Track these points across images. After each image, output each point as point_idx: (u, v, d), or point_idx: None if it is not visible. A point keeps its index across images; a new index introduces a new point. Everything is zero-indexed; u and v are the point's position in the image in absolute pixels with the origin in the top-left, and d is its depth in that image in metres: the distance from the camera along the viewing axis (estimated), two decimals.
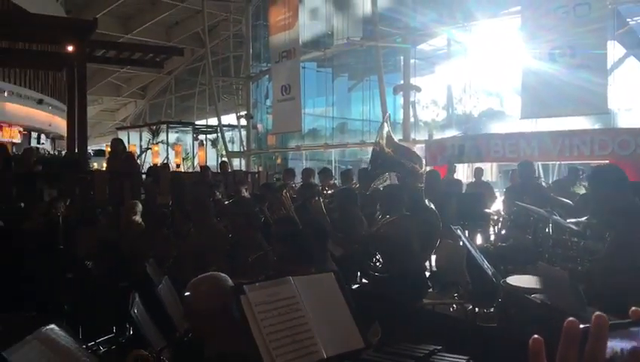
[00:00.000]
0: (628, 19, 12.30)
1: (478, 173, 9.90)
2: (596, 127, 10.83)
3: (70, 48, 10.78)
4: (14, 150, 13.98)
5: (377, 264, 5.20)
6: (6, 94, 18.38)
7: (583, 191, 7.12)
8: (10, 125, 19.30)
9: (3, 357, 2.21)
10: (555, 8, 10.32)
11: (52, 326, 2.42)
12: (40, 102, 20.64)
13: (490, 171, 13.57)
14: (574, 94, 9.95)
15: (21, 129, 20.19)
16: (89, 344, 3.63)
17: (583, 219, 5.09)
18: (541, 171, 12.09)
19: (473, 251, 4.29)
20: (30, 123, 20.45)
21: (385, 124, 7.13)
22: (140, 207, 6.35)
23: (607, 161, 9.00)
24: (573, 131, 10.53)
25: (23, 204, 7.34)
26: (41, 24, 11.73)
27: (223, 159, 17.80)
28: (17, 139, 19.61)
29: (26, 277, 5.27)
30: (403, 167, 6.56)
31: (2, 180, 7.63)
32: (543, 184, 8.49)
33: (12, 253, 5.75)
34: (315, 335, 2.12)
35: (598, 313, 0.61)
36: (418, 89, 14.73)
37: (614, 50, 11.23)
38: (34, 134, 21.19)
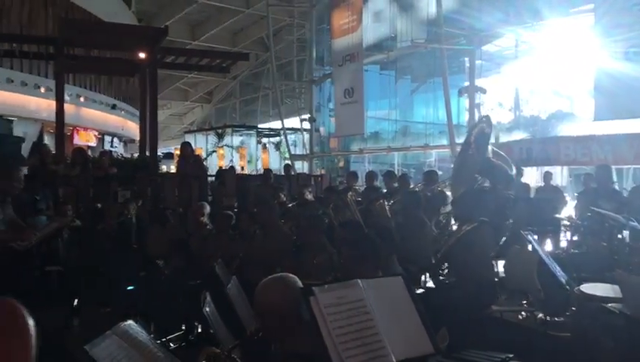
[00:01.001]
0: None
1: (547, 176, 9.57)
2: None
3: (142, 55, 11.21)
4: (90, 153, 14.68)
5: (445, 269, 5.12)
6: (82, 100, 19.32)
7: None
8: (86, 129, 20.30)
9: (85, 350, 2.33)
10: (631, 5, 9.87)
11: (129, 321, 2.54)
12: (113, 107, 21.59)
13: (560, 175, 13.06)
14: None
15: (96, 133, 21.18)
16: (161, 340, 3.76)
17: None
18: (615, 176, 11.55)
19: (544, 257, 4.16)
20: (104, 127, 21.42)
21: (483, 126, 6.46)
22: (207, 208, 6.52)
23: None
24: None
25: (99, 205, 7.70)
26: (116, 32, 12.26)
27: (286, 162, 18.01)
28: (92, 143, 20.60)
29: (102, 274, 5.52)
30: (500, 172, 6.17)
31: (81, 182, 8.03)
32: (618, 189, 8.11)
33: (89, 252, 6.05)
34: (383, 339, 2.11)
35: None
36: (483, 91, 14.40)
37: None
38: (107, 138, 22.18)
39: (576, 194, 8.54)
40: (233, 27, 28.69)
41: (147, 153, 10.93)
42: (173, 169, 12.42)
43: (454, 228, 6.15)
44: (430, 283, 5.62)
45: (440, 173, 10.91)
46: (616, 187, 9.16)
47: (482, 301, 4.48)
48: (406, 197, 6.06)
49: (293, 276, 2.31)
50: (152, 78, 11.30)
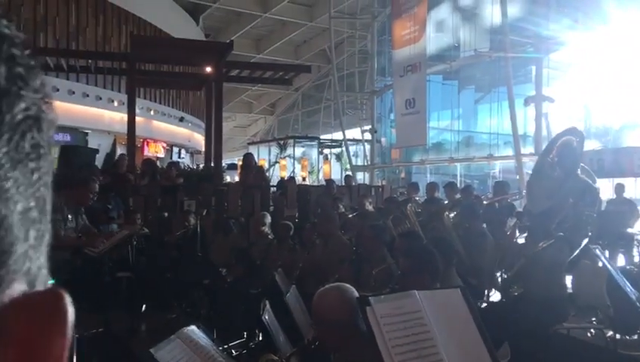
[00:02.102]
0: None
1: (620, 189, 9.16)
2: None
3: (208, 69, 11.57)
4: (159, 164, 15.25)
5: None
6: (152, 113, 20.12)
7: None
8: (155, 141, 21.11)
9: (150, 353, 2.44)
10: None
11: (192, 327, 2.64)
12: (181, 119, 22.36)
13: (634, 187, 12.45)
14: None
15: (164, 144, 21.98)
16: (222, 346, 3.86)
17: None
18: None
19: (614, 273, 3.99)
20: (172, 139, 22.19)
21: (572, 138, 5.57)
22: (268, 218, 6.64)
23: None
24: None
25: (166, 214, 7.99)
26: (184, 48, 12.73)
27: (347, 173, 18.05)
28: (161, 154, 21.38)
29: (168, 281, 5.73)
30: (590, 193, 5.49)
31: (150, 192, 8.36)
32: None
33: (157, 260, 6.29)
34: (440, 351, 2.10)
35: None
36: (551, 100, 13.96)
37: None
38: (175, 149, 22.95)
39: None
40: (296, 40, 29.13)
41: (212, 164, 11.24)
42: (236, 179, 12.71)
43: (520, 240, 5.99)
44: (493, 298, 5.50)
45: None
46: None
47: (552, 318, 4.34)
48: (463, 209, 5.96)
49: (349, 286, 2.33)
50: (217, 91, 11.63)
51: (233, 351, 4.34)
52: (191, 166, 14.05)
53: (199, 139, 21.41)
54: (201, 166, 12.38)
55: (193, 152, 24.54)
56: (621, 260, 7.08)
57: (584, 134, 5.24)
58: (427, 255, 3.30)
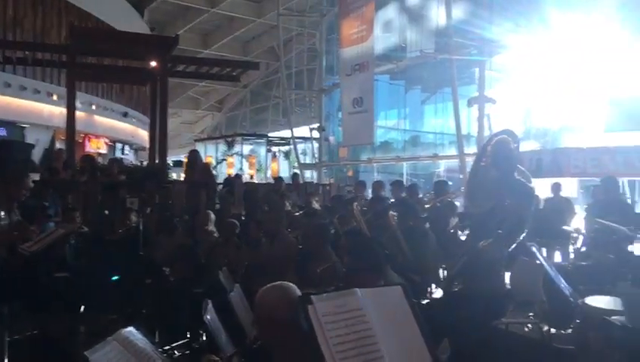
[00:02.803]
0: None
1: (557, 188, 9.51)
2: None
3: (153, 64, 11.32)
4: (101, 160, 14.79)
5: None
6: (94, 107, 19.51)
7: None
8: (97, 136, 20.49)
9: (85, 356, 2.35)
10: None
11: (130, 328, 2.55)
12: (125, 115, 21.79)
13: (571, 186, 12.98)
14: None
15: (107, 140, 21.37)
16: (164, 348, 3.77)
17: None
18: (627, 188, 11.45)
19: (550, 269, 4.13)
20: (115, 135, 21.60)
21: (507, 139, 5.27)
22: (212, 216, 6.55)
23: None
24: None
25: (107, 212, 7.75)
26: (127, 41, 12.40)
27: (295, 171, 18.04)
28: (103, 150, 20.78)
29: (108, 281, 5.55)
30: (527, 192, 5.66)
31: (89, 189, 8.10)
32: (629, 201, 8.05)
33: (96, 259, 6.09)
34: (381, 349, 2.11)
35: None
36: (493, 101, 14.36)
37: None
38: (118, 145, 22.36)
39: (585, 206, 8.48)
40: (244, 36, 28.89)
41: (157, 161, 11.01)
42: (182, 177, 12.50)
43: (463, 238, 6.13)
44: (436, 295, 5.60)
45: (450, 183, 10.88)
46: (628, 200, 9.11)
47: (491, 313, 4.46)
48: (406, 207, 6.04)
49: (292, 284, 2.32)
50: (162, 86, 11.40)
51: (176, 352, 4.25)
52: (134, 163, 13.72)
53: (144, 136, 20.94)
54: (145, 163, 12.10)
55: (137, 149, 23.98)
56: (558, 257, 7.37)
57: (517, 136, 5.39)
58: (372, 253, 3.32)
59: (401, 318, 2.29)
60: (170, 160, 18.10)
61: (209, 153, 25.40)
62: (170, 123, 14.60)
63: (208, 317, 2.90)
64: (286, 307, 2.21)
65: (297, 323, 2.16)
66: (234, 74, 13.09)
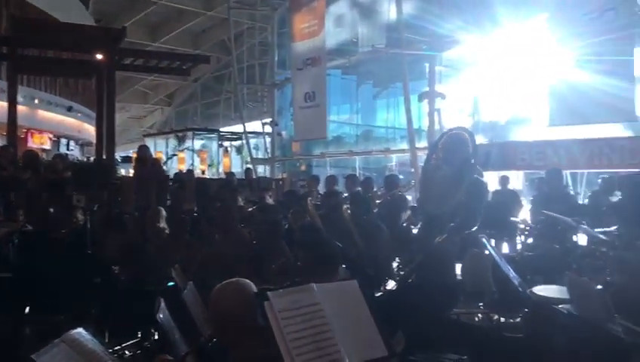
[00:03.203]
0: None
1: (504, 180, 9.78)
2: (627, 135, 10.60)
3: (100, 57, 10.99)
4: (44, 156, 14.27)
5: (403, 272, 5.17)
6: (36, 101, 18.80)
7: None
8: (40, 132, 19.75)
9: (33, 360, 2.26)
10: (582, 14, 10.19)
11: (79, 329, 2.47)
12: (69, 109, 21.07)
13: (517, 179, 13.38)
14: (602, 101, 9.80)
15: (51, 135, 20.64)
16: (115, 348, 3.68)
17: (613, 228, 5.00)
18: (569, 180, 11.88)
19: (499, 260, 4.24)
20: (60, 130, 20.88)
21: (463, 135, 5.47)
22: (163, 213, 6.43)
23: (637, 170, 8.82)
24: (601, 139, 10.35)
25: (52, 210, 7.48)
26: (72, 33, 11.99)
27: (248, 166, 17.92)
28: (47, 146, 20.05)
29: (54, 281, 5.37)
30: (480, 187, 5.53)
31: (33, 186, 7.80)
32: (571, 192, 8.36)
33: (41, 258, 5.88)
34: (338, 343, 2.12)
35: None
36: (443, 96, 14.62)
37: None
38: (63, 141, 21.64)
39: (530, 198, 8.76)
40: (194, 29, 28.41)
41: (104, 157, 10.73)
42: (131, 173, 12.21)
43: (415, 231, 6.23)
44: (389, 287, 5.67)
45: (401, 177, 11.04)
46: (571, 191, 9.45)
47: (443, 304, 4.55)
48: (358, 202, 6.10)
49: (247, 280, 2.29)
50: (109, 80, 11.11)
51: (126, 352, 4.15)
52: (80, 158, 13.32)
53: (90, 130, 20.31)
54: (92, 158, 11.77)
55: (84, 144, 23.28)
56: (505, 248, 7.57)
57: (473, 133, 5.51)
58: (327, 248, 3.33)
59: (356, 312, 2.31)
60: (118, 155, 17.66)
61: (159, 148, 24.95)
62: (117, 117, 14.23)
63: (161, 316, 2.84)
64: (242, 304, 2.19)
65: (253, 320, 2.14)
66: (184, 67, 12.88)
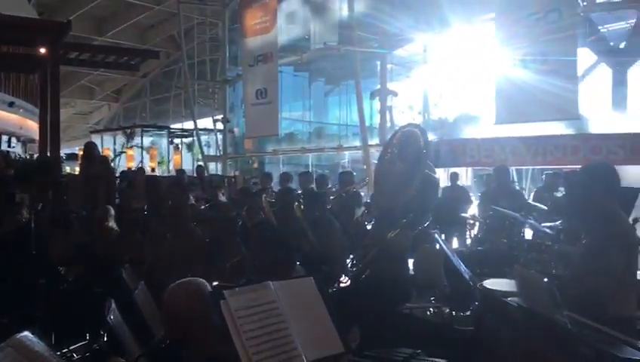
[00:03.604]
0: (599, 27, 12.56)
1: (454, 177, 9.99)
2: (569, 132, 11.00)
3: (43, 51, 10.61)
4: None
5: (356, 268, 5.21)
6: None
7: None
8: None
9: None
10: (527, 15, 10.46)
11: (25, 333, 2.38)
12: (11, 104, 20.24)
13: (466, 175, 13.71)
14: (546, 100, 10.09)
15: None
16: (62, 351, 3.57)
17: (558, 223, 5.19)
18: (515, 176, 12.25)
19: (450, 255, 4.33)
20: (0, 126, 20.04)
21: (414, 132, 5.50)
22: (112, 211, 6.27)
23: (579, 167, 9.16)
24: (545, 136, 10.70)
25: None
26: (13, 26, 11.51)
27: (199, 163, 17.66)
28: None
29: None
30: (432, 183, 5.50)
31: None
32: (518, 188, 8.62)
33: None
34: (294, 340, 2.12)
35: None
36: (395, 94, 14.83)
37: (586, 57, 11.47)
38: (4, 137, 20.77)
39: (479, 194, 8.98)
40: (142, 24, 27.76)
41: (49, 154, 10.37)
42: (78, 171, 11.85)
43: (369, 227, 6.28)
44: (344, 283, 5.71)
45: (354, 173, 11.11)
46: (517, 187, 9.74)
47: (397, 300, 4.62)
48: (311, 198, 6.11)
49: (201, 280, 2.26)
50: (53, 74, 10.75)
51: (75, 355, 4.03)
52: (22, 156, 12.84)
53: (33, 127, 19.56)
54: (35, 156, 11.36)
55: (26, 141, 22.42)
56: (456, 243, 7.76)
57: (425, 130, 5.60)
58: (282, 245, 3.32)
59: (313, 308, 2.31)
60: (63, 153, 17.09)
61: (106, 145, 24.31)
62: (62, 113, 13.74)
63: (111, 317, 2.76)
64: (196, 303, 2.15)
65: (208, 320, 2.12)
66: (132, 63, 12.59)
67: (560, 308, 2.51)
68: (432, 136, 14.24)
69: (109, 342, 4.11)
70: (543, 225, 5.34)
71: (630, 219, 3.92)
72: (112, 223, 6.07)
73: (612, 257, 2.91)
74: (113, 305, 2.86)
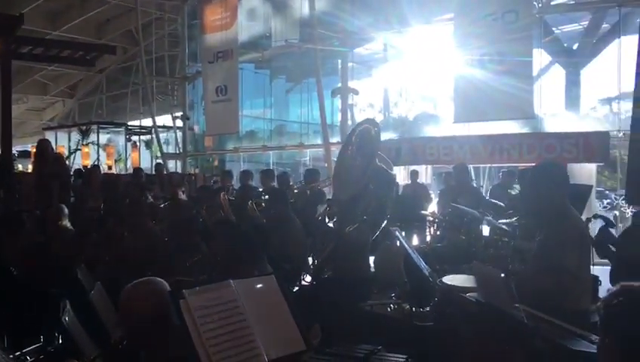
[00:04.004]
0: (554, 29, 12.91)
1: (414, 175, 10.11)
2: (525, 131, 11.28)
3: None
4: None
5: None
6: None
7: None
8: None
9: None
10: (485, 15, 10.67)
11: None
12: None
13: (425, 173, 13.88)
14: (502, 99, 10.33)
15: None
16: (16, 354, 3.46)
17: (514, 219, 5.31)
18: (472, 174, 12.46)
19: (410, 252, 4.37)
20: None
21: (369, 127, 5.60)
22: (65, 210, 6.10)
23: (534, 164, 9.39)
24: (502, 135, 10.93)
25: None
26: None
27: (158, 161, 17.36)
28: None
29: None
30: (389, 178, 5.58)
31: None
32: (476, 186, 8.78)
33: None
34: (256, 339, 2.10)
35: None
36: (355, 92, 14.89)
37: (541, 57, 11.78)
38: None
39: (438, 191, 9.12)
40: (98, 18, 27.05)
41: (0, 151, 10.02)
42: (31, 168, 11.48)
43: (331, 224, 6.29)
44: (305, 281, 5.70)
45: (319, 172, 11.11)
46: (475, 184, 9.92)
47: (358, 296, 4.64)
48: (271, 195, 6.09)
49: (160, 279, 2.21)
50: (5, 69, 10.39)
51: (28, 358, 3.91)
52: None
53: None
54: None
55: None
56: (415, 240, 7.84)
57: (378, 123, 5.66)
58: (244, 243, 3.29)
59: (274, 307, 2.30)
60: (15, 150, 16.53)
61: (61, 142, 23.66)
62: (14, 109, 13.29)
63: (66, 318, 2.68)
64: (155, 303, 2.11)
65: (167, 320, 2.08)
66: (88, 58, 12.27)
67: (516, 302, 2.57)
68: (392, 135, 14.40)
69: (64, 343, 4.01)
70: (499, 221, 5.46)
71: (584, 218, 4.04)
72: (65, 222, 5.91)
73: (565, 254, 2.99)
74: (68, 306, 2.77)
